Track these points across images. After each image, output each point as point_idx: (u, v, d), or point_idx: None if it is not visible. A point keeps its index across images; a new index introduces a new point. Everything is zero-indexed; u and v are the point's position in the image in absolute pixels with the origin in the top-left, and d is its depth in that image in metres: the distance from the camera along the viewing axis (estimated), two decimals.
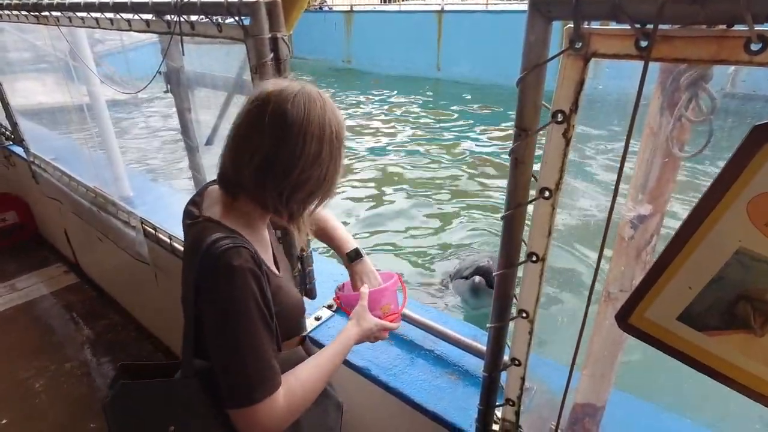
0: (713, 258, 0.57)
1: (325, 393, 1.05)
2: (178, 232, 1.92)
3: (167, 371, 0.96)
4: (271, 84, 0.82)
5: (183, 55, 1.30)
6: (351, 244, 1.20)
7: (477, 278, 2.92)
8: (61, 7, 1.61)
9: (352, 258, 1.18)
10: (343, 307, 1.18)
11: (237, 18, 1.05)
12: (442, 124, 7.60)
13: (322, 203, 0.89)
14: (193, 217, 0.91)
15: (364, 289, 1.08)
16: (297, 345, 1.03)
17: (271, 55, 1.06)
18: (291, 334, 0.99)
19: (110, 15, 1.41)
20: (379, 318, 1.08)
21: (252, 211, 0.90)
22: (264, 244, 0.95)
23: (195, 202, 0.97)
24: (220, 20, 1.10)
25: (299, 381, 0.87)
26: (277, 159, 0.79)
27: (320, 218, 1.22)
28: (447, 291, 3.36)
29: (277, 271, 0.97)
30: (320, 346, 1.37)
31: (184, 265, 0.89)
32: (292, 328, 0.99)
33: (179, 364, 0.94)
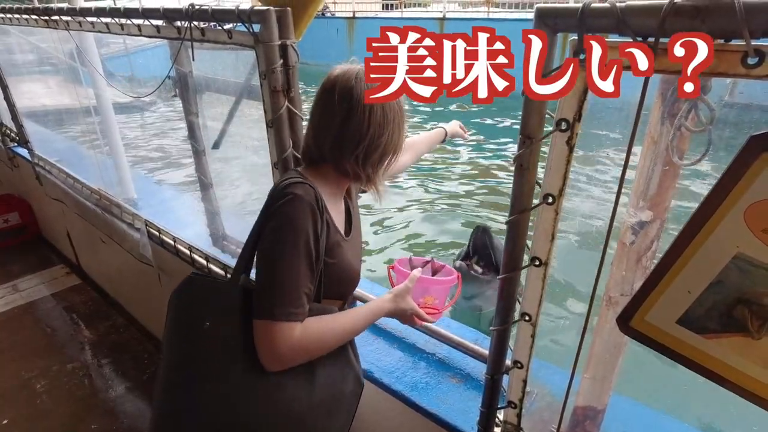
0: (712, 263, 0.59)
1: (348, 360, 1.07)
2: (182, 234, 1.94)
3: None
4: (337, 69, 0.95)
5: (193, 60, 1.33)
6: (437, 132, 1.54)
7: (458, 262, 2.68)
8: (71, 12, 1.63)
9: (445, 129, 1.54)
10: (392, 279, 1.21)
11: (247, 25, 1.07)
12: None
13: (392, 162, 1.01)
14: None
15: (416, 272, 1.12)
16: (335, 306, 1.06)
17: (281, 61, 1.09)
18: (336, 296, 1.04)
19: (121, 20, 1.44)
20: (418, 305, 1.12)
21: (330, 176, 1.00)
22: (337, 208, 1.04)
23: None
24: (230, 27, 1.13)
25: (318, 327, 0.93)
26: (349, 131, 0.92)
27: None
28: None
29: (343, 234, 1.04)
30: None
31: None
32: (339, 290, 1.04)
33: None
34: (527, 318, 0.86)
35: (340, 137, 0.93)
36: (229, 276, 1.29)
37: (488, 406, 1.02)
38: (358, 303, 1.59)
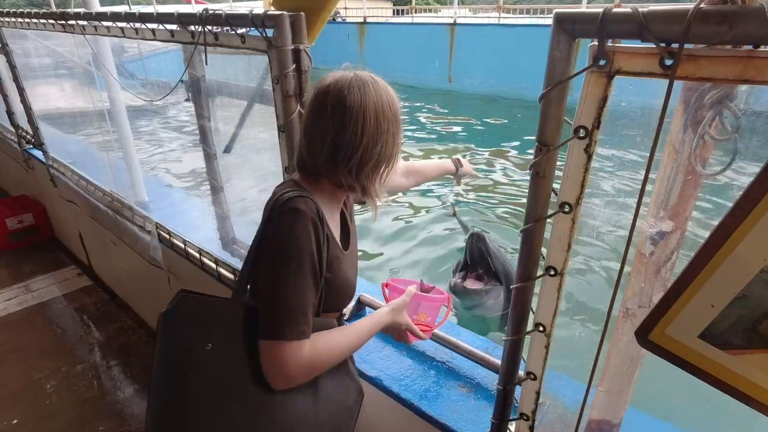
0: (737, 276, 0.57)
1: (348, 372, 1.08)
2: (192, 237, 1.94)
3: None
4: (329, 77, 0.93)
5: (206, 65, 1.33)
6: (449, 162, 1.55)
7: (452, 281, 2.79)
8: (88, 17, 1.65)
9: (457, 165, 1.55)
10: (386, 295, 1.24)
11: (261, 30, 1.07)
12: (451, 134, 7.62)
13: (387, 172, 0.98)
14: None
15: (412, 288, 1.16)
16: (333, 318, 1.06)
17: (293, 66, 1.09)
18: (333, 309, 1.03)
19: (136, 25, 1.45)
20: (413, 322, 1.14)
21: (326, 188, 0.99)
22: (334, 220, 1.03)
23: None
24: (243, 31, 1.13)
25: (326, 342, 0.92)
26: (343, 141, 0.89)
27: (406, 169, 1.44)
28: None
29: (342, 247, 1.03)
30: None
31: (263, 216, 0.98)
32: (337, 303, 1.03)
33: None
34: (541, 329, 0.84)
35: (333, 148, 0.91)
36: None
37: (500, 417, 1.00)
38: (369, 310, 1.58)
